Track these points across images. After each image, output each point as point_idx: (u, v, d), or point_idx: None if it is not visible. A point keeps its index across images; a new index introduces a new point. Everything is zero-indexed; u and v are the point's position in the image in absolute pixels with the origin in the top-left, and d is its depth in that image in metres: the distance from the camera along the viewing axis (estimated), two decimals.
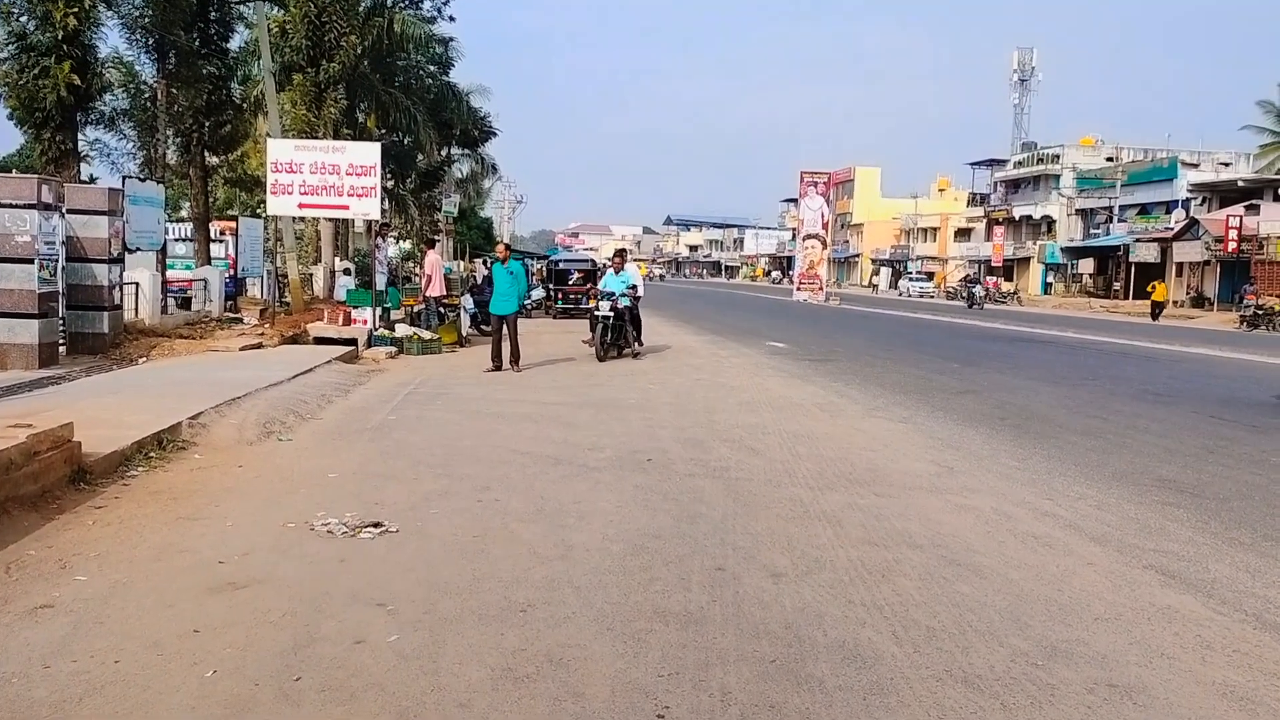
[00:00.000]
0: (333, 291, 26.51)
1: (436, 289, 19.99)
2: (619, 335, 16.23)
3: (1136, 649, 4.02)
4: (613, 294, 16.07)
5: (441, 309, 20.09)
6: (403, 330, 18.46)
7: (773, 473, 7.40)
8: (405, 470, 7.42)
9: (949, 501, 6.46)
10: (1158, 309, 38.63)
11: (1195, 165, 61.28)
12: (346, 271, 26.77)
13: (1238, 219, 43.06)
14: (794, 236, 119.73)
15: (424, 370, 14.82)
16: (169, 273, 21.87)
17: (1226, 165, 63.52)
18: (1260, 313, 32.41)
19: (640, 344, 16.69)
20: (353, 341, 17.46)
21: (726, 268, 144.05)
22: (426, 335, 18.31)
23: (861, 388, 12.80)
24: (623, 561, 5.16)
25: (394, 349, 17.47)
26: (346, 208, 18.66)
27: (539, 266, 46.76)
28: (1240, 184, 53.81)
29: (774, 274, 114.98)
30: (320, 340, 17.60)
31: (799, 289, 53.10)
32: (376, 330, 18.15)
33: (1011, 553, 5.28)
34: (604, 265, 32.74)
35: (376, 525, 5.78)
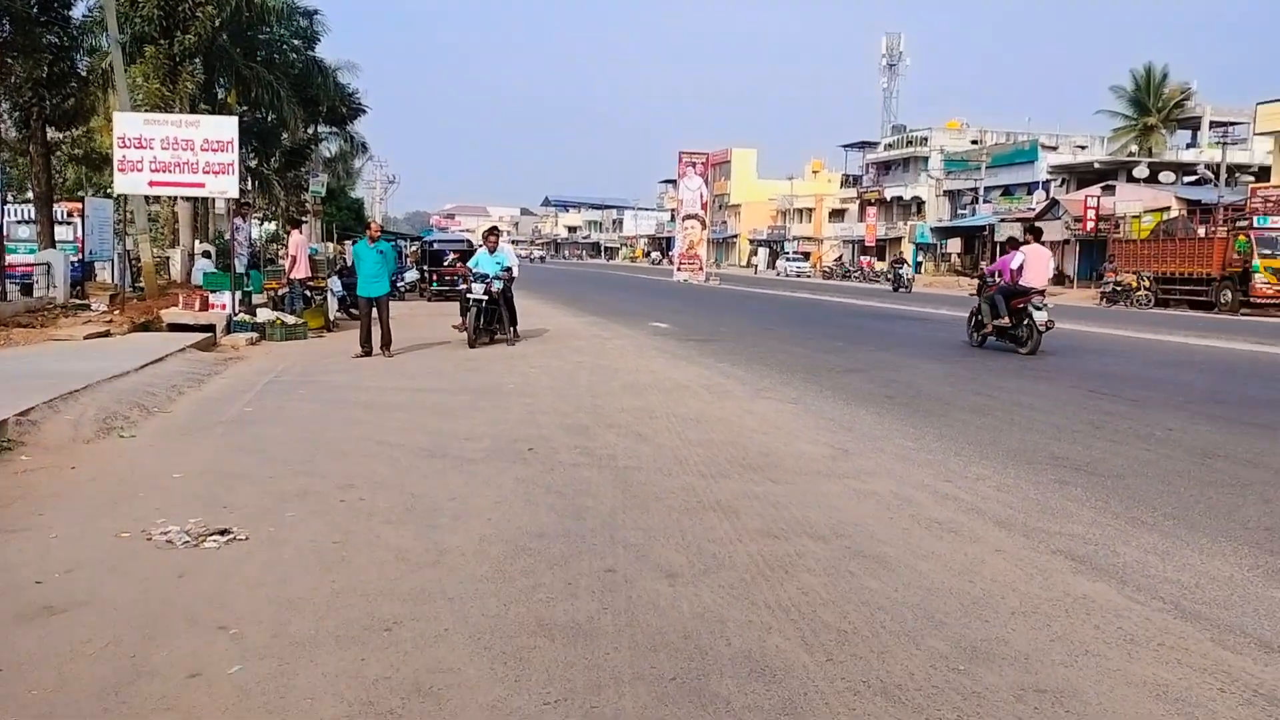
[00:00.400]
0: (190, 276, 25.05)
1: (302, 271, 18.96)
2: (493, 319, 15.49)
3: (1060, 646, 3.73)
4: (486, 276, 15.30)
5: (307, 292, 19.08)
6: (265, 315, 17.45)
7: (662, 460, 6.98)
8: (260, 468, 6.74)
9: (847, 486, 6.15)
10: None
11: (1054, 148, 63.69)
12: (205, 254, 25.30)
13: (1095, 199, 44.74)
14: (673, 217, 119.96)
15: (287, 357, 13.96)
16: (9, 257, 20.26)
17: (1083, 148, 66.23)
18: (1119, 289, 33.66)
19: (516, 331, 15.92)
20: (210, 328, 16.40)
21: (606, 249, 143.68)
22: (290, 320, 17.34)
23: (748, 368, 12.53)
24: (502, 566, 4.66)
25: (255, 335, 16.48)
26: (202, 185, 17.46)
27: (414, 248, 45.53)
28: (1096, 166, 56.05)
29: (654, 255, 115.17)
30: (175, 327, 16.49)
31: (679, 269, 53.07)
32: (236, 315, 17.09)
33: (917, 541, 4.97)
34: (477, 245, 31.89)
35: (223, 533, 5.13)
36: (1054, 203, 50.28)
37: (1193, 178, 50.46)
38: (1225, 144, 41.98)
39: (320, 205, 51.34)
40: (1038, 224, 25.01)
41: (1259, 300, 30.49)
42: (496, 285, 15.18)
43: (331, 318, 18.84)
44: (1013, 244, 16.90)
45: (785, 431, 8.08)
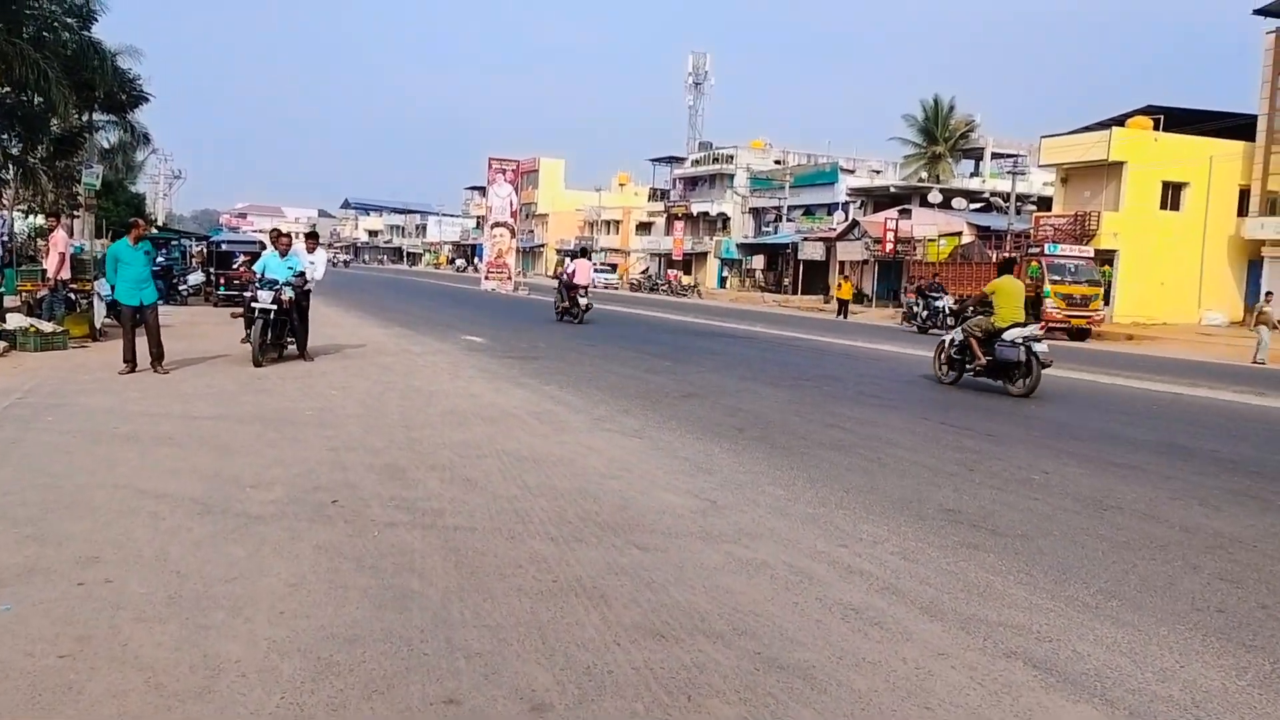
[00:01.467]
0: None
1: (64, 271, 16.54)
2: (284, 332, 13.65)
3: None
4: (275, 283, 13.42)
5: (71, 295, 16.67)
6: (16, 321, 15.02)
7: (501, 516, 5.78)
8: None
9: (729, 555, 5.13)
10: (844, 306, 39.59)
11: (852, 171, 65.90)
12: None
13: (894, 222, 46.27)
14: (479, 224, 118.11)
15: (39, 372, 11.85)
16: None
17: (878, 172, 68.85)
18: (928, 312, 34.66)
19: (307, 352, 14.11)
20: None
21: (408, 254, 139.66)
22: (47, 328, 14.99)
23: (578, 391, 11.43)
24: (299, 696, 3.36)
25: (3, 344, 14.13)
26: None
27: (199, 248, 42.03)
28: (892, 190, 58.31)
29: (459, 262, 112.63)
30: None
31: (487, 278, 51.56)
32: None
33: (839, 640, 3.98)
34: (263, 246, 29.28)
35: None
36: (854, 224, 51.78)
37: (978, 205, 53.22)
38: (1015, 174, 44.15)
39: (94, 199, 46.77)
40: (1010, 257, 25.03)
41: (1050, 324, 31.94)
42: (287, 293, 13.42)
43: (99, 325, 16.49)
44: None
45: (638, 475, 7.01)
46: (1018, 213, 52.41)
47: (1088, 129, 43.64)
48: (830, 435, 9.06)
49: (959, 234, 45.26)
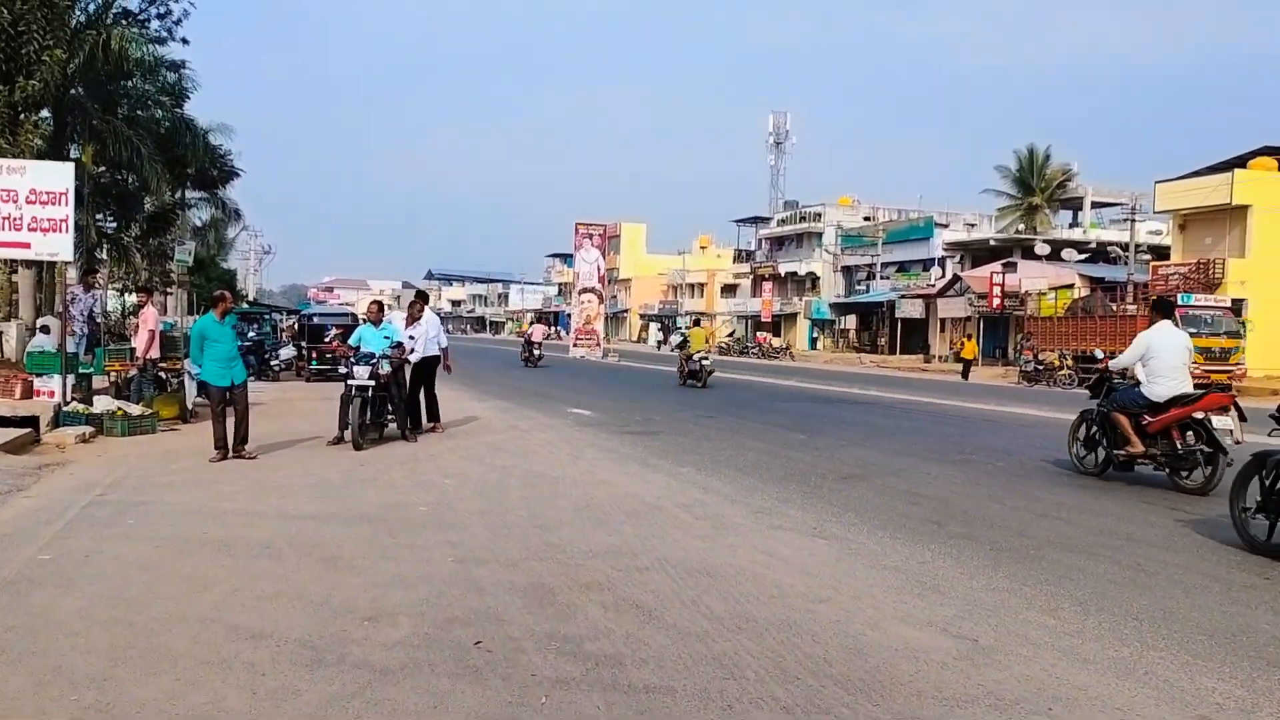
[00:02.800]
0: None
1: (154, 350, 15.71)
2: (383, 411, 12.49)
3: None
4: (371, 356, 12.27)
5: (160, 374, 15.83)
6: (104, 404, 14.17)
7: (699, 667, 4.33)
8: (18, 697, 3.85)
9: None
10: (967, 367, 36.36)
11: (945, 225, 63.94)
12: (44, 329, 21.58)
13: (1001, 276, 44.19)
14: (560, 291, 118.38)
15: (126, 460, 10.84)
16: None
17: (973, 226, 66.81)
18: (1040, 368, 32.53)
19: (436, 423, 13.27)
20: (32, 421, 13.11)
21: (491, 323, 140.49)
22: (135, 410, 14.11)
23: (718, 473, 9.98)
24: None
25: (90, 429, 13.25)
26: (27, 245, 14.22)
27: (289, 323, 41.92)
28: (992, 243, 56.19)
29: (541, 329, 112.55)
30: None
31: (575, 344, 50.63)
32: (68, 405, 13.85)
33: None
34: (354, 319, 28.58)
35: None
36: (956, 279, 49.77)
37: (1083, 256, 50.82)
38: (1132, 221, 41.91)
39: (187, 276, 47.23)
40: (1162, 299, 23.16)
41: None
42: (385, 367, 12.28)
43: (190, 405, 15.58)
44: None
45: (850, 596, 5.51)
46: (1119, 262, 49.99)
47: (1201, 172, 41.32)
48: (1053, 530, 7.43)
49: (1070, 286, 42.99)
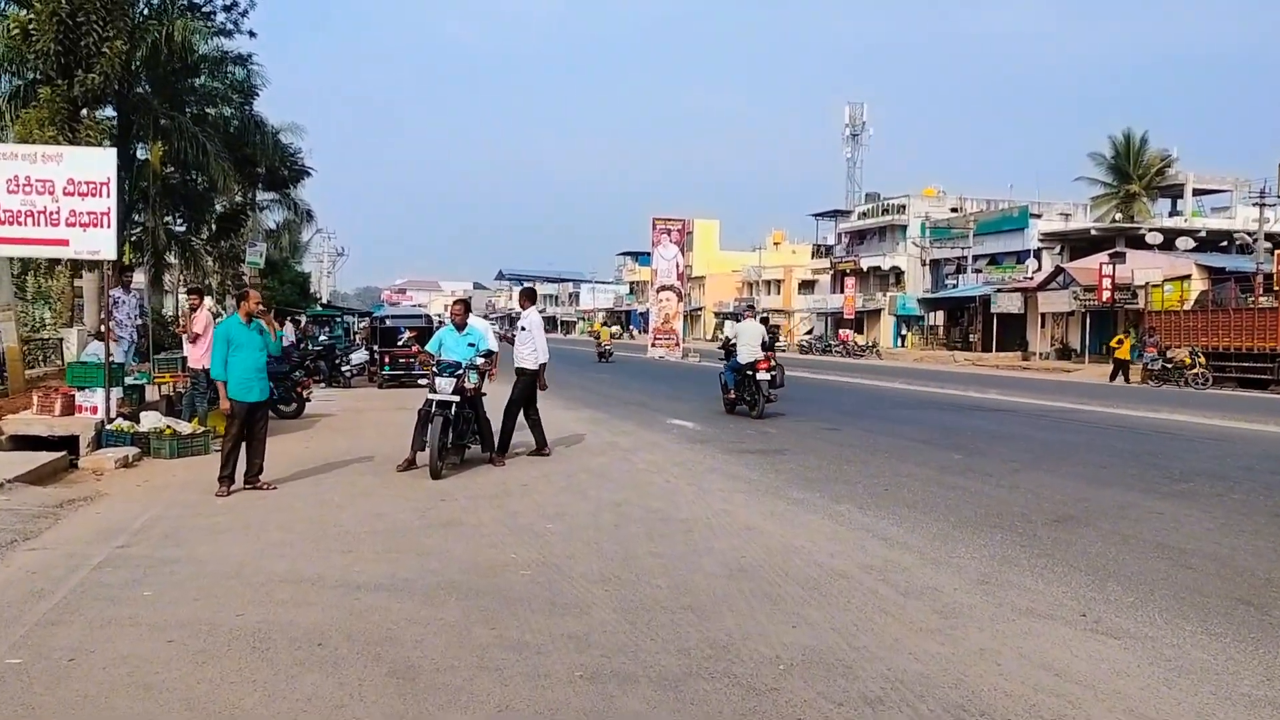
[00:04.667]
0: None
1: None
2: (467, 431, 10.55)
3: None
4: (456, 366, 10.35)
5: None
6: (151, 421, 12.52)
7: None
8: None
9: None
10: (1122, 368, 31.94)
11: (1038, 216, 60.65)
12: (99, 335, 20.23)
13: (1110, 267, 41.13)
14: (632, 290, 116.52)
15: (167, 491, 9.15)
16: None
17: (1067, 216, 63.36)
18: (1169, 366, 29.66)
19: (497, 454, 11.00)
20: (70, 442, 11.52)
21: (562, 323, 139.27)
22: (186, 428, 12.45)
23: (888, 514, 7.87)
24: None
25: (134, 451, 11.62)
26: (65, 242, 12.65)
27: (363, 325, 40.57)
28: (1093, 233, 52.89)
29: (614, 329, 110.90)
30: (20, 441, 11.56)
31: (654, 344, 48.68)
32: (111, 421, 12.26)
33: None
34: (429, 320, 26.64)
35: None
36: (1059, 271, 46.68)
37: (1193, 245, 47.42)
38: (1263, 204, 38.62)
39: (258, 278, 46.23)
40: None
41: None
42: (472, 379, 10.40)
43: None
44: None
45: None
46: (1247, 251, 46.45)
47: None
48: None
49: (1187, 277, 39.84)
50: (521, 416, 11.46)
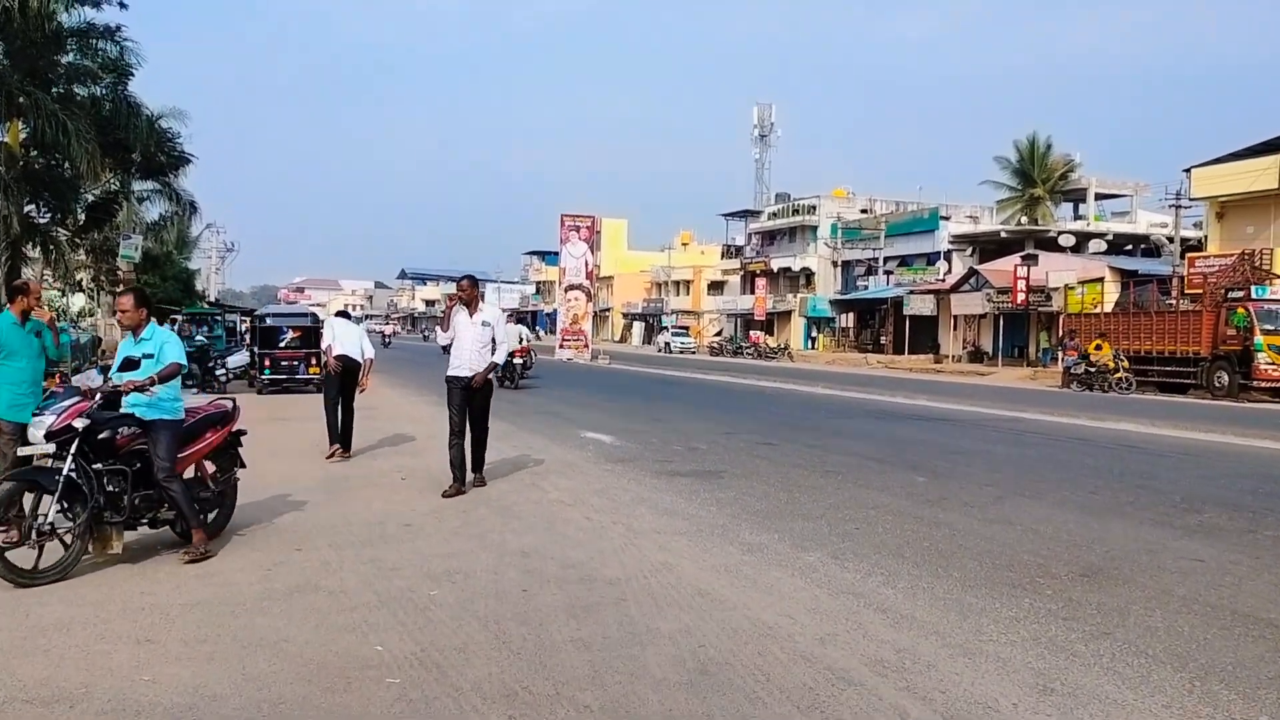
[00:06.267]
0: None
1: None
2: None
3: None
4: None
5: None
6: None
7: None
8: None
9: None
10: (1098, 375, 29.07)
11: (947, 218, 60.51)
12: None
13: (1025, 269, 40.64)
14: (538, 290, 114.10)
15: None
16: None
17: (974, 219, 63.45)
18: (1093, 370, 28.89)
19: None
20: None
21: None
22: None
23: (872, 566, 6.17)
24: None
25: None
26: None
27: (246, 324, 37.71)
28: (1003, 235, 52.76)
29: (520, 328, 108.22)
30: None
31: (562, 346, 46.73)
32: None
33: None
34: (315, 319, 23.98)
35: None
36: (972, 273, 46.20)
37: (1102, 248, 47.51)
38: (1178, 207, 38.47)
39: (133, 272, 42.76)
40: None
41: (1263, 383, 26.15)
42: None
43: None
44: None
45: None
46: (1156, 254, 46.65)
47: (1240, 155, 37.90)
48: None
49: (1100, 280, 39.52)
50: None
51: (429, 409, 17.39)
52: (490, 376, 8.93)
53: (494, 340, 8.82)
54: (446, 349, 9.09)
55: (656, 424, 15.54)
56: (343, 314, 12.79)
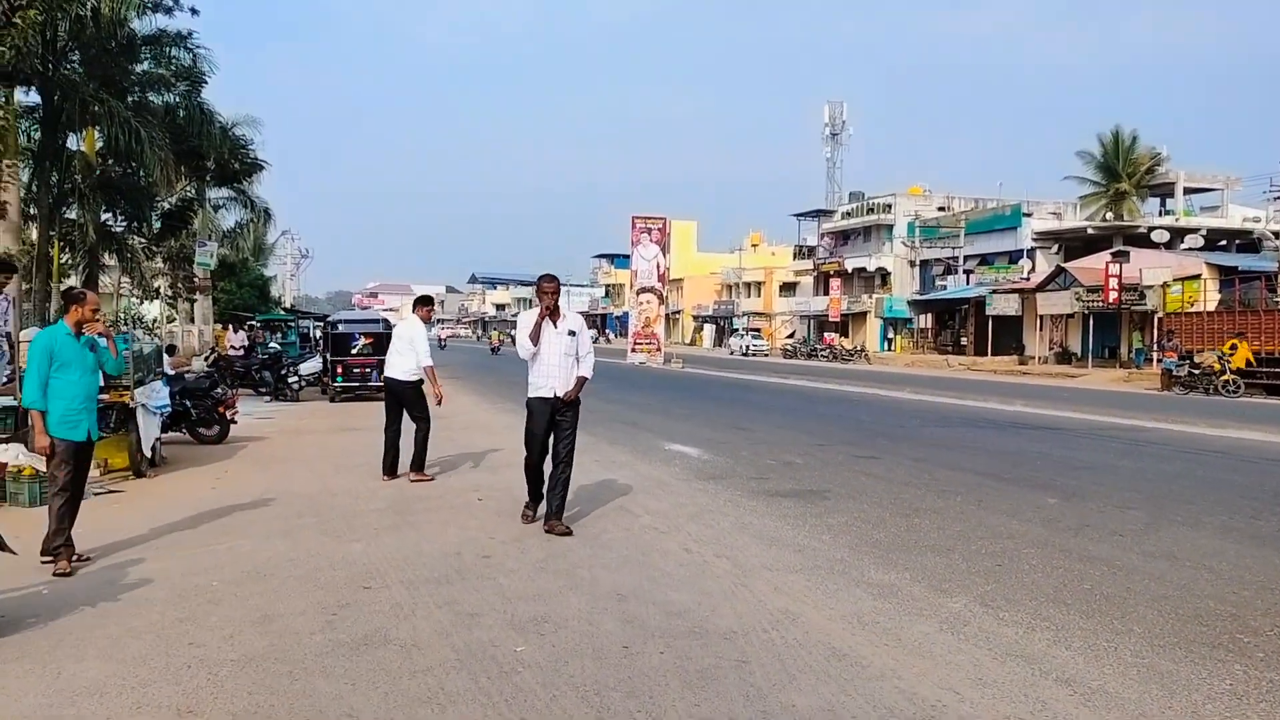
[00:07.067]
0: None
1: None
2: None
3: None
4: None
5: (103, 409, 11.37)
6: (10, 454, 9.74)
7: None
8: None
9: None
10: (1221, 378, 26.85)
11: (1029, 215, 58.52)
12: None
13: (1117, 266, 38.80)
14: (607, 293, 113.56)
15: None
16: None
17: (1057, 215, 61.34)
18: (1197, 372, 27.25)
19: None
20: None
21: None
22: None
23: (1036, 617, 5.24)
24: None
25: None
26: None
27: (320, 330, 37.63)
28: (1090, 231, 50.75)
29: (590, 333, 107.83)
30: None
31: (634, 350, 45.96)
32: None
33: None
34: (388, 325, 23.46)
35: None
36: (1060, 271, 44.34)
37: (1199, 244, 45.29)
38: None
39: (209, 280, 42.99)
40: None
41: None
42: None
43: (146, 451, 11.11)
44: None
45: None
46: (1257, 249, 44.33)
47: None
48: None
49: (1197, 277, 37.56)
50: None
51: (504, 417, 16.72)
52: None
53: (578, 351, 7.65)
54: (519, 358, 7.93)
55: (742, 434, 14.65)
56: (424, 300, 10.97)
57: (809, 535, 7.31)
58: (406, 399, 10.23)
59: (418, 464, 10.14)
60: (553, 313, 7.56)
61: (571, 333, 7.59)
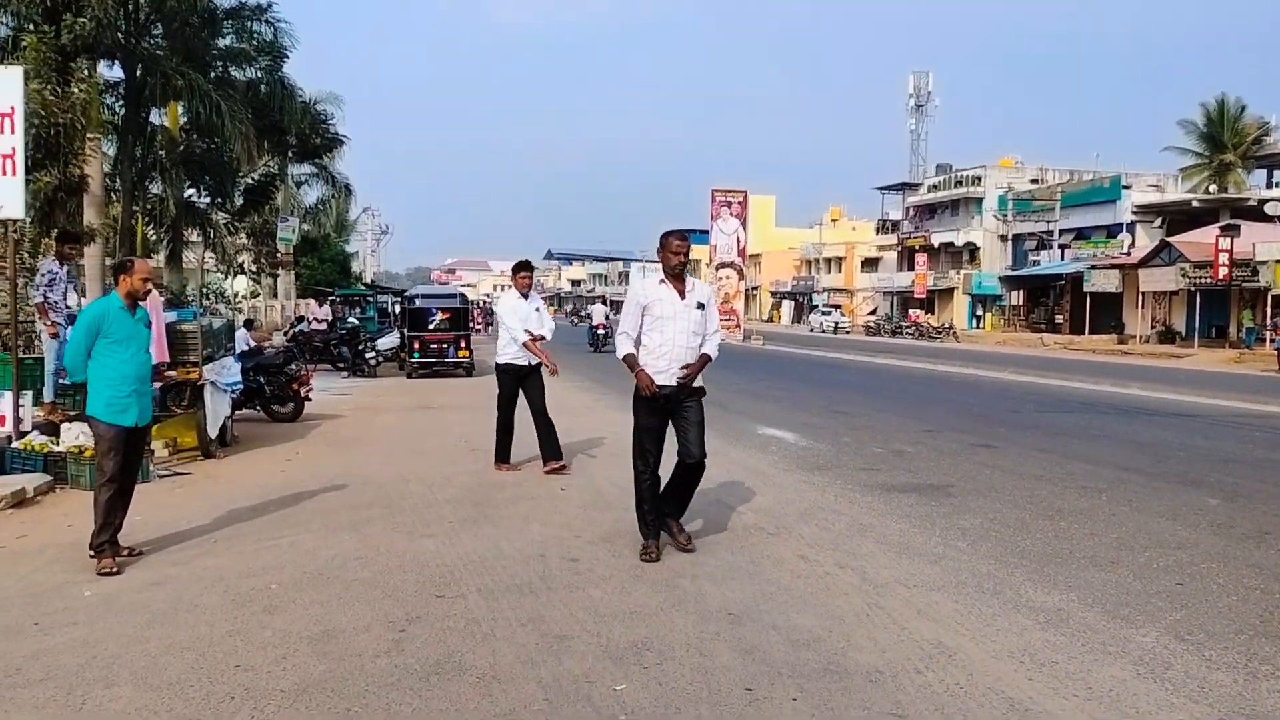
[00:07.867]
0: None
1: (162, 352, 10.67)
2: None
3: None
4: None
5: (172, 387, 10.84)
6: (71, 436, 9.26)
7: None
8: None
9: None
10: None
11: (1128, 187, 55.88)
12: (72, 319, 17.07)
13: (1228, 241, 36.60)
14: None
15: (25, 561, 5.84)
16: None
17: (1159, 188, 58.54)
18: None
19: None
20: None
21: (613, 302, 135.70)
22: None
23: (1258, 659, 4.29)
24: None
25: (43, 480, 8.57)
26: None
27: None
28: (1194, 204, 48.24)
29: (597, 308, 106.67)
30: None
31: None
32: (22, 437, 9.21)
33: None
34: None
35: None
36: (1164, 245, 42.12)
37: None
38: None
39: (291, 255, 43.06)
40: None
41: None
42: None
43: (213, 431, 10.55)
44: None
45: None
46: None
47: None
48: None
49: None
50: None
51: (582, 396, 15.98)
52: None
53: (705, 329, 6.26)
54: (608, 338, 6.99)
55: (840, 417, 13.67)
56: (521, 265, 9.55)
57: (942, 541, 6.36)
58: (524, 383, 9.19)
59: (555, 452, 9.10)
60: (679, 279, 6.22)
61: (700, 305, 6.21)
